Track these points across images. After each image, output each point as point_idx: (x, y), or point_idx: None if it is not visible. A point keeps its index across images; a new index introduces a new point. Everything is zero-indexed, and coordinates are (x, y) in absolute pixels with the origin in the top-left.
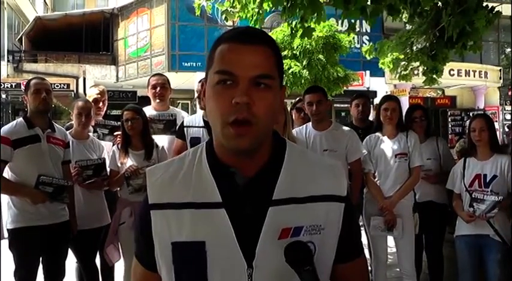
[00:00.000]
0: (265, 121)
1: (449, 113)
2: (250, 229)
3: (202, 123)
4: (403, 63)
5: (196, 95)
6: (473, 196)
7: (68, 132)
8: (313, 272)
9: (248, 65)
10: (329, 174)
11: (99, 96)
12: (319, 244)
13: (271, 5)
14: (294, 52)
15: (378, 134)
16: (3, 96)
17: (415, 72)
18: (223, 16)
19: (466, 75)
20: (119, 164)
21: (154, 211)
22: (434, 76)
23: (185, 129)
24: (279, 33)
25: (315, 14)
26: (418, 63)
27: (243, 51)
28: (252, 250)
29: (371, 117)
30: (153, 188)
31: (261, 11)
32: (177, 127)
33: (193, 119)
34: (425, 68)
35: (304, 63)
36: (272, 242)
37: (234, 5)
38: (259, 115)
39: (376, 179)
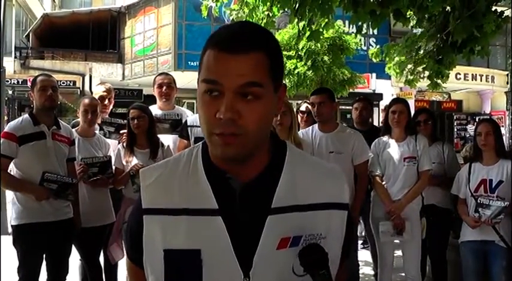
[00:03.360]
0: (254, 132)
1: (455, 117)
2: (247, 237)
3: None
4: (409, 67)
5: None
6: (478, 201)
7: (74, 129)
8: (328, 277)
9: (233, 73)
10: (331, 180)
11: (105, 94)
12: None
13: (280, 8)
14: (299, 53)
15: (386, 137)
16: (10, 92)
17: (421, 75)
18: (231, 18)
19: (472, 79)
20: (124, 163)
21: (147, 216)
22: (439, 81)
23: (189, 129)
24: (284, 33)
25: (325, 17)
26: (424, 67)
27: (229, 60)
28: (248, 259)
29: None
30: (147, 191)
31: (270, 14)
32: (181, 127)
33: (196, 119)
34: (430, 71)
35: (309, 64)
36: (270, 252)
37: (242, 8)
38: (246, 128)
39: (384, 183)
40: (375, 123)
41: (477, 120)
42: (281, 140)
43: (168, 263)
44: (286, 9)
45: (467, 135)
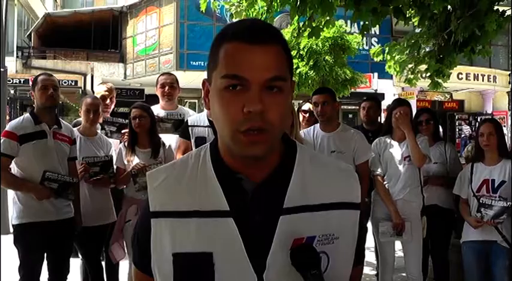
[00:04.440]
0: (279, 127)
1: (456, 117)
2: (260, 238)
3: (207, 123)
4: (410, 66)
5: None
6: (481, 201)
7: (76, 128)
8: (320, 277)
9: (259, 67)
10: (343, 179)
11: (106, 93)
12: (332, 254)
13: (279, 4)
14: (301, 53)
15: (386, 137)
16: (12, 92)
17: (423, 75)
18: (230, 12)
19: (474, 79)
20: (126, 162)
21: (155, 219)
22: (439, 80)
23: (190, 128)
24: (286, 33)
25: (326, 14)
26: (425, 67)
27: (253, 52)
28: (261, 261)
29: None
30: (155, 194)
31: (270, 10)
32: (181, 127)
33: (197, 119)
34: (431, 71)
35: (311, 63)
36: (284, 253)
37: (240, 2)
38: (273, 122)
39: (385, 182)
40: None
41: (479, 120)
42: (291, 139)
43: (177, 267)
44: (286, 8)
45: (462, 135)
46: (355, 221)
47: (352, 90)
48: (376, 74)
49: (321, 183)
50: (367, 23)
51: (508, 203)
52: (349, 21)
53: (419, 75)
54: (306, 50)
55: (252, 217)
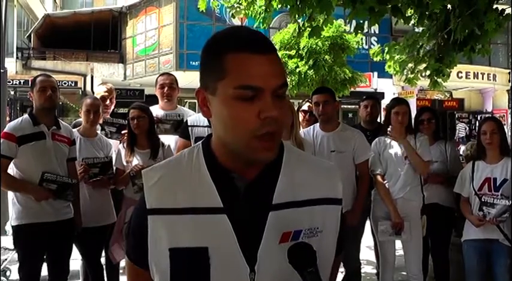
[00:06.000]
0: (283, 129)
1: (456, 116)
2: (251, 233)
3: (207, 123)
4: (410, 65)
5: None
6: (483, 200)
7: (76, 129)
8: (316, 274)
9: (270, 75)
10: (325, 177)
11: (106, 94)
12: (317, 247)
13: (279, 3)
14: (300, 52)
15: (386, 137)
16: (12, 93)
17: (423, 74)
18: (231, 13)
19: (474, 78)
20: (125, 163)
21: (152, 216)
22: (439, 80)
23: (190, 128)
24: (285, 33)
25: (324, 13)
26: (424, 66)
27: (263, 62)
28: (253, 254)
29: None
30: (151, 192)
31: (268, 9)
32: (181, 127)
33: (197, 119)
34: (431, 70)
35: (310, 63)
36: (273, 246)
37: (240, 2)
38: (282, 125)
39: (385, 181)
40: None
41: (479, 118)
42: None
43: (174, 261)
44: (286, 7)
45: (456, 136)
46: (338, 215)
47: (352, 89)
48: (375, 73)
49: (307, 180)
50: (361, 22)
51: (511, 202)
52: (348, 21)
53: (419, 74)
54: (305, 49)
55: (244, 212)
